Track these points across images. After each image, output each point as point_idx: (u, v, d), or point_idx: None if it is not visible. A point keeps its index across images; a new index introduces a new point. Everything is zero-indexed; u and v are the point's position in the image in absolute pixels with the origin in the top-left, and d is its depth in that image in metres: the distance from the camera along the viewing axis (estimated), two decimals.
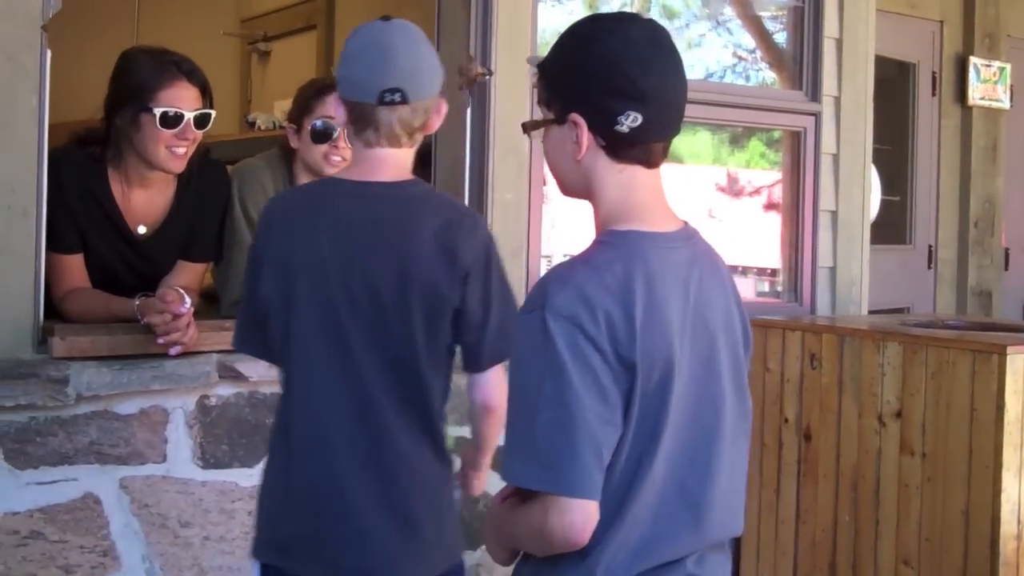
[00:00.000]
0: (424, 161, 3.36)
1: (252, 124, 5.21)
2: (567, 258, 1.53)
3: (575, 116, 1.46)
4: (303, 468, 1.85)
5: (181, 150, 2.57)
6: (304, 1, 5.46)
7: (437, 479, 1.90)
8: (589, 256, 1.44)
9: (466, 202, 3.18)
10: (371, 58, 1.84)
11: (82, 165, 2.60)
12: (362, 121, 1.87)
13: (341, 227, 1.86)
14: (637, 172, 1.48)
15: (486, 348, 1.90)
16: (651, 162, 1.48)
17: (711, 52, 4.18)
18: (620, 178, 1.47)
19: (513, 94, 3.19)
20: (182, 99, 2.54)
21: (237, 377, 2.64)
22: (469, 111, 3.19)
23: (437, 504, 1.90)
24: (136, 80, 2.52)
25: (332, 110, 2.59)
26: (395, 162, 1.89)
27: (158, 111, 2.51)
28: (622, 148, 1.46)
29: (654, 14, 3.84)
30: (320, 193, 1.94)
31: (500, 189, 3.20)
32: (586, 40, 1.46)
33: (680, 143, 4.68)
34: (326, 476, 1.84)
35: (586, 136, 1.46)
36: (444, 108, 1.92)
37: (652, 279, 1.41)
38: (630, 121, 1.43)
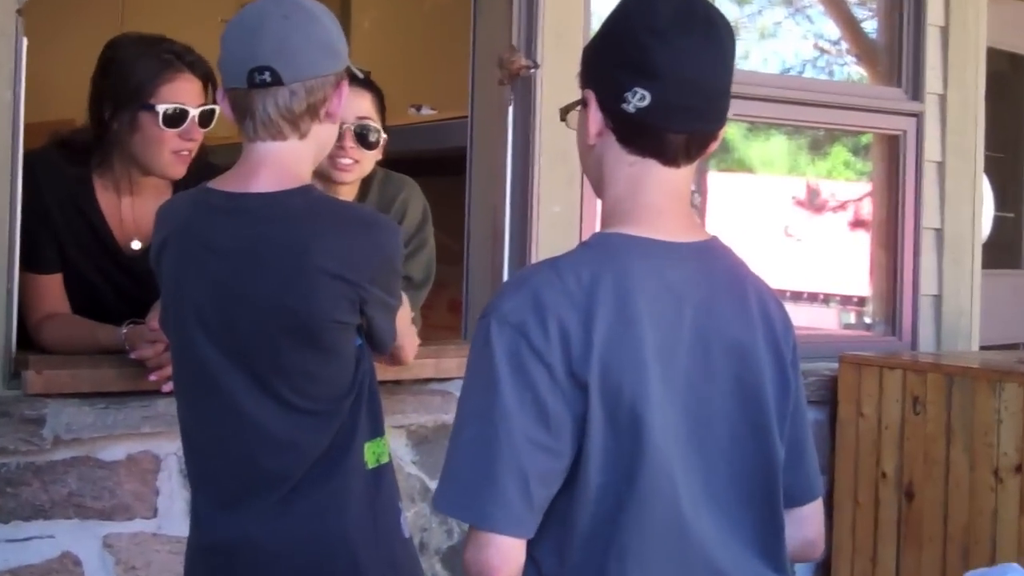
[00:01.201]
0: (456, 168, 3.42)
1: None
2: None
3: (587, 92, 1.48)
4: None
5: (186, 152, 2.58)
6: None
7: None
8: (560, 258, 1.45)
9: (507, 216, 3.19)
10: (239, 35, 1.87)
11: (63, 170, 2.61)
12: (240, 111, 1.89)
13: (205, 255, 1.88)
14: (651, 168, 1.47)
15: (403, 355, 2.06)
16: (667, 157, 1.47)
17: (788, 43, 4.17)
18: (629, 172, 1.48)
19: (562, 90, 2.95)
20: (185, 94, 2.55)
21: None
22: (511, 110, 3.19)
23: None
24: (131, 74, 2.53)
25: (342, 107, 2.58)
26: (277, 159, 1.89)
27: (161, 109, 2.52)
28: (629, 133, 1.46)
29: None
30: (189, 207, 1.96)
31: (547, 200, 3.20)
32: (615, 10, 1.49)
33: (751, 149, 4.66)
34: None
35: (595, 116, 1.47)
36: (345, 89, 1.93)
37: (627, 290, 1.40)
38: (636, 99, 1.43)
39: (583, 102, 1.51)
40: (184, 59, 2.56)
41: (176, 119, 2.54)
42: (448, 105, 3.98)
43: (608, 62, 1.46)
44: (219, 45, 1.91)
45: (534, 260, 3.13)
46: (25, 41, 2.50)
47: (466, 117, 3.35)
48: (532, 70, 3.16)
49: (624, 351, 1.39)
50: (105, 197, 2.65)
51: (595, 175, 1.53)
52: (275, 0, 1.88)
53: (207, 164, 2.69)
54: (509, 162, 3.20)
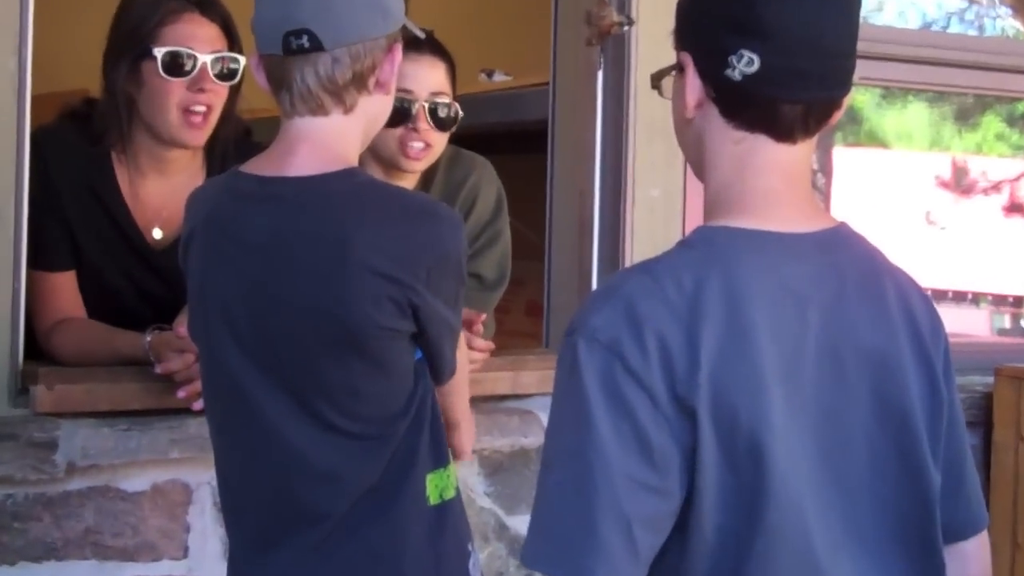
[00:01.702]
0: (535, 145, 3.39)
1: None
2: None
3: (683, 55, 1.49)
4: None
5: (199, 109, 2.57)
6: None
7: None
8: (656, 260, 1.46)
9: (596, 202, 3.17)
10: None
11: (76, 149, 2.63)
12: (275, 81, 1.91)
13: (233, 250, 1.90)
14: (762, 145, 1.47)
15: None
16: (781, 131, 1.47)
17: None
18: (736, 151, 1.48)
19: (663, 51, 3.08)
20: (193, 37, 2.55)
21: None
22: (600, 75, 3.17)
23: None
24: (132, 17, 2.55)
25: (408, 79, 2.61)
26: (319, 138, 1.90)
27: (160, 52, 2.52)
28: (735, 104, 1.46)
29: None
30: (217, 194, 1.98)
31: (644, 183, 3.17)
32: None
33: (884, 119, 4.60)
34: None
35: (693, 83, 1.47)
36: (398, 55, 1.93)
37: (739, 294, 1.40)
38: (743, 64, 1.42)
39: (679, 67, 1.51)
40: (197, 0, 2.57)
41: (179, 66, 2.53)
42: (525, 70, 4.01)
43: (708, 19, 1.46)
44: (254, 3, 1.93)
45: (628, 253, 3.12)
46: (32, 0, 2.52)
47: (547, 84, 3.35)
48: (626, 27, 3.13)
49: (738, 368, 1.38)
50: (125, 178, 2.67)
51: (694, 155, 1.53)
52: None
53: (248, 141, 2.71)
54: (599, 137, 3.18)
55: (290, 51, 1.86)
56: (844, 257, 1.50)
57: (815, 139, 1.51)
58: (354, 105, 1.90)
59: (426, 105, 2.65)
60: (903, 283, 1.54)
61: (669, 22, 3.00)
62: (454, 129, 2.73)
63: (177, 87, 2.54)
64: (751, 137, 1.46)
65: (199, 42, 2.55)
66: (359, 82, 1.89)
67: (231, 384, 1.93)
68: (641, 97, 3.13)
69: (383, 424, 1.91)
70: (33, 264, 2.56)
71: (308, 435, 1.89)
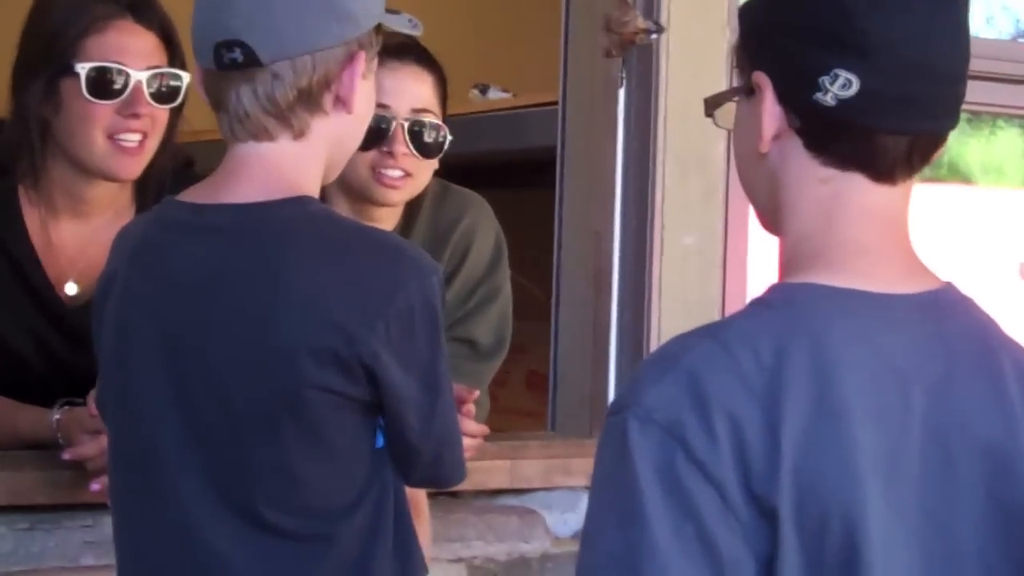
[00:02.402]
0: (539, 178, 3.37)
1: None
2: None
3: (758, 76, 1.50)
4: None
5: (132, 138, 2.57)
6: None
7: None
8: (725, 324, 1.51)
9: (615, 249, 3.18)
10: None
11: None
12: (212, 100, 1.94)
13: (159, 292, 1.92)
14: (856, 186, 1.49)
15: (427, 471, 2.02)
16: (880, 169, 1.49)
17: None
18: (823, 193, 1.49)
19: (698, 66, 3.19)
20: (125, 50, 2.55)
21: None
22: (622, 94, 3.18)
23: None
24: (49, 25, 2.57)
25: (386, 94, 2.61)
26: (265, 165, 1.91)
27: (83, 69, 2.52)
28: (826, 135, 1.48)
29: None
30: (149, 227, 2.01)
31: (674, 227, 3.18)
32: None
33: (968, 150, 4.61)
34: None
35: (772, 110, 1.49)
36: (359, 65, 1.93)
37: (829, 369, 1.42)
38: (838, 87, 1.44)
39: (746, 90, 1.52)
40: (125, 3, 2.56)
41: (107, 85, 2.53)
42: (528, 85, 4.03)
43: (793, 32, 1.48)
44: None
45: (655, 314, 3.12)
46: None
47: (555, 104, 3.36)
48: (654, 35, 3.15)
49: (829, 460, 1.39)
50: (36, 220, 2.67)
51: (767, 198, 1.55)
52: None
53: (190, 173, 2.71)
54: (619, 169, 3.19)
55: (223, 66, 1.88)
56: (952, 326, 1.50)
57: (914, 182, 1.53)
58: (305, 129, 1.92)
59: (405, 124, 2.66)
60: (1022, 360, 1.54)
61: (708, 29, 3.16)
62: (440, 156, 2.73)
63: (105, 111, 2.54)
64: (842, 176, 1.48)
65: (132, 56, 2.55)
66: (308, 102, 1.91)
67: (144, 463, 1.93)
68: (672, 120, 3.15)
69: (323, 521, 1.90)
70: None
71: (231, 534, 1.89)
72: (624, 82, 3.18)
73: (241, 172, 1.92)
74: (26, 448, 2.53)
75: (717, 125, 1.61)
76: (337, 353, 1.85)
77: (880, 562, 1.39)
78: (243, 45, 1.86)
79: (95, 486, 2.42)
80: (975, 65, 3.88)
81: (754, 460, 1.37)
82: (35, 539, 2.51)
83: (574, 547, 2.91)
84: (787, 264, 1.52)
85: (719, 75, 3.15)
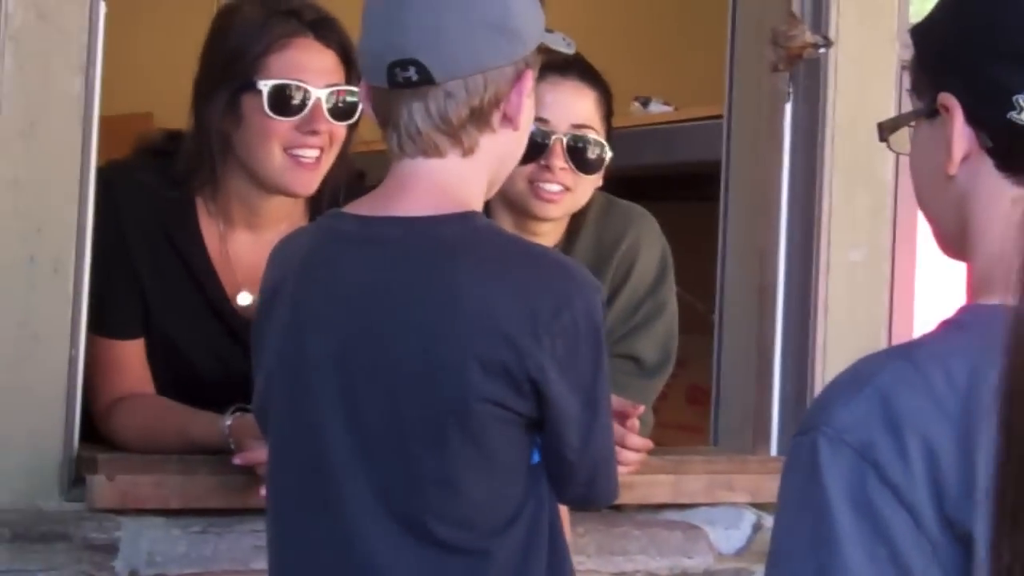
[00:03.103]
0: (703, 192, 3.32)
1: None
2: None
3: (945, 97, 1.46)
4: None
5: (310, 153, 2.59)
6: None
7: None
8: (916, 344, 1.46)
9: (780, 265, 3.15)
10: (378, 14, 1.93)
11: (153, 194, 2.66)
12: (380, 117, 1.96)
13: (328, 303, 1.93)
14: None
15: (582, 489, 2.00)
16: None
17: None
18: (1014, 213, 1.44)
19: (867, 81, 3.17)
20: (306, 67, 2.57)
21: None
22: (789, 108, 3.17)
23: None
24: (232, 43, 2.60)
25: (546, 108, 2.64)
26: (434, 180, 1.93)
27: (266, 86, 2.54)
28: (1021, 155, 1.45)
29: None
30: (311, 239, 2.03)
31: (841, 243, 3.15)
32: None
33: None
34: None
35: (961, 131, 1.46)
36: (527, 83, 1.95)
37: None
38: None
39: (929, 112, 1.49)
40: (305, 19, 2.58)
41: (287, 101, 2.55)
42: (691, 99, 4.01)
43: (981, 51, 1.44)
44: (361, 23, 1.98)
45: (820, 330, 3.10)
46: (103, 7, 2.54)
47: (720, 117, 3.35)
48: (822, 49, 3.13)
49: None
50: (213, 231, 2.69)
51: (954, 221, 1.50)
52: None
53: (362, 187, 2.70)
54: (785, 184, 3.18)
55: (395, 84, 1.89)
56: None
57: None
58: (474, 146, 1.93)
59: (565, 139, 2.66)
60: None
61: (877, 43, 3.11)
62: (601, 172, 2.72)
63: (284, 127, 2.56)
64: None
65: (312, 73, 2.57)
66: (479, 119, 1.92)
67: (307, 469, 1.95)
68: (840, 135, 3.13)
69: (483, 535, 1.90)
70: (95, 328, 2.58)
71: (394, 545, 1.89)
72: (791, 97, 3.16)
73: (409, 187, 1.94)
74: (199, 453, 2.54)
75: (891, 149, 1.58)
76: (506, 366, 1.86)
77: None
78: (417, 64, 1.87)
79: (265, 491, 2.40)
80: None
81: (948, 484, 1.34)
82: (207, 542, 2.53)
83: (737, 564, 2.91)
84: (977, 286, 1.48)
85: (888, 90, 3.15)
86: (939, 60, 1.50)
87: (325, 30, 2.59)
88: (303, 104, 2.55)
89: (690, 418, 3.67)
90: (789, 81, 3.15)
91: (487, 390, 1.86)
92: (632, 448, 2.58)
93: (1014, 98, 1.41)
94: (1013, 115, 1.42)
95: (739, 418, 3.15)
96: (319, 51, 2.58)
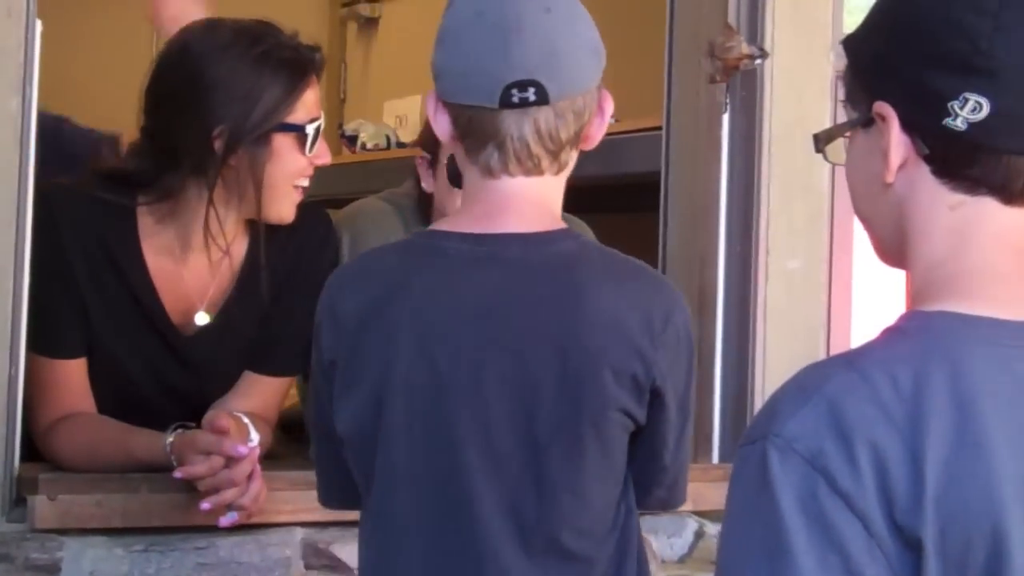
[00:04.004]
0: (642, 203, 3.29)
1: (351, 140, 5.34)
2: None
3: (881, 106, 1.46)
4: None
5: (307, 183, 2.68)
6: None
7: None
8: (862, 352, 1.45)
9: (719, 274, 3.16)
10: (484, 35, 1.92)
11: (94, 208, 2.64)
12: (477, 136, 1.95)
13: (454, 313, 1.94)
14: (985, 210, 1.45)
15: (664, 493, 2.07)
16: (1012, 191, 1.45)
17: None
18: (952, 219, 1.46)
19: (802, 91, 3.17)
20: (317, 105, 2.66)
21: (334, 567, 2.65)
22: (726, 119, 3.16)
23: None
24: (257, 87, 2.60)
25: None
26: (533, 198, 1.96)
27: (310, 129, 2.63)
28: (956, 160, 1.44)
29: None
30: (412, 258, 2.02)
31: (779, 251, 3.15)
32: None
33: None
34: None
35: (898, 139, 1.45)
36: (609, 106, 2.01)
37: (969, 397, 1.37)
38: (968, 111, 1.41)
39: (865, 121, 1.48)
40: (316, 60, 2.66)
41: (315, 139, 2.64)
42: (631, 112, 3.92)
43: (916, 59, 1.44)
44: (441, 41, 1.97)
45: (760, 337, 3.10)
46: (40, 26, 2.53)
47: (658, 129, 3.32)
48: (758, 61, 3.12)
49: (972, 490, 1.34)
50: (154, 245, 2.68)
51: (892, 228, 1.50)
52: None
53: (315, 212, 2.83)
54: (724, 194, 3.17)
55: (508, 104, 1.90)
56: None
57: None
58: (567, 163, 1.99)
59: None
60: None
61: (811, 54, 3.08)
62: None
63: (304, 162, 2.65)
64: (972, 201, 1.43)
65: (319, 108, 2.68)
66: (576, 139, 1.98)
67: (434, 484, 1.95)
68: (777, 145, 3.14)
69: (594, 543, 1.95)
70: (35, 348, 2.57)
71: (523, 556, 1.93)
72: (728, 107, 3.16)
73: (514, 204, 1.96)
74: (140, 471, 2.52)
75: (827, 160, 1.57)
76: (635, 376, 1.92)
77: None
78: (537, 85, 1.90)
79: (205, 505, 2.42)
80: None
81: (898, 491, 1.33)
82: (150, 561, 2.50)
83: (680, 571, 2.89)
84: (917, 293, 1.48)
85: (823, 100, 3.16)
86: (873, 69, 1.49)
87: (321, 66, 2.70)
88: (316, 139, 2.65)
89: None
90: (726, 92, 3.15)
91: (619, 399, 1.91)
92: None
93: (949, 104, 1.41)
94: (948, 121, 1.41)
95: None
96: (317, 87, 2.68)
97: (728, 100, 3.15)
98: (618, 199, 3.71)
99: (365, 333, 1.98)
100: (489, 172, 1.96)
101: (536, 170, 1.95)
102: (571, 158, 1.99)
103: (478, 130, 1.94)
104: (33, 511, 2.45)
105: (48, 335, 2.59)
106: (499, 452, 1.92)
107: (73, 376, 2.64)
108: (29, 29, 2.49)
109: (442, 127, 1.98)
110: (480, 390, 1.92)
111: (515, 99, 1.90)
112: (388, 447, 1.98)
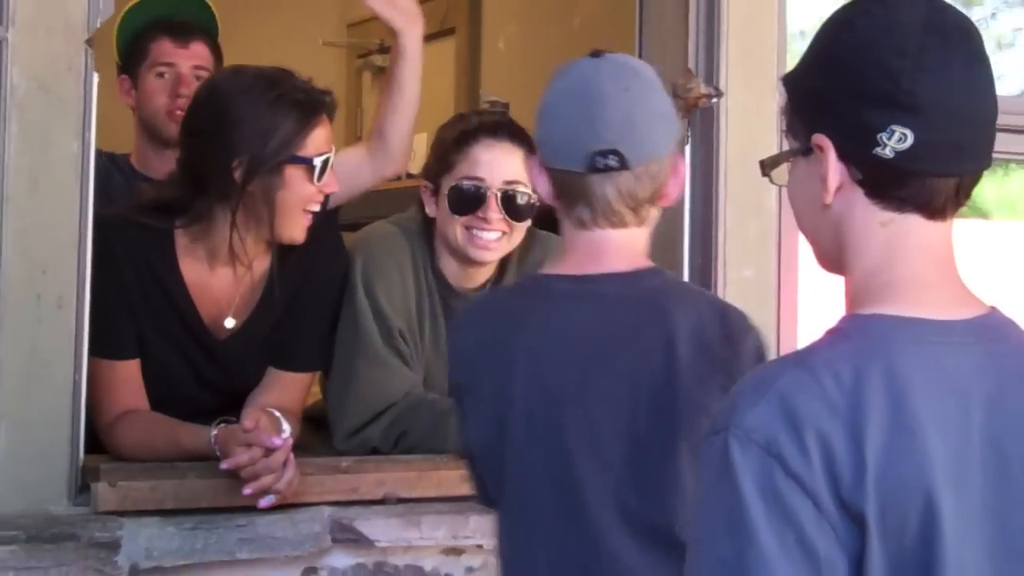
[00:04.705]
0: None
1: None
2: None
3: (819, 138, 1.49)
4: None
5: (317, 208, 2.75)
6: None
7: None
8: (809, 352, 1.46)
9: (684, 279, 3.18)
10: (574, 110, 2.00)
11: (140, 233, 2.76)
12: (571, 195, 2.02)
13: (563, 340, 2.01)
14: (912, 225, 1.49)
15: None
16: (934, 209, 1.49)
17: None
18: (883, 235, 1.50)
19: (752, 124, 3.24)
20: (328, 141, 2.73)
21: (357, 540, 2.69)
22: (689, 150, 3.22)
23: None
24: (273, 122, 2.69)
25: (482, 167, 2.78)
26: (621, 245, 2.04)
27: (318, 162, 2.70)
28: (886, 183, 1.48)
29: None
30: (524, 298, 2.11)
31: (735, 263, 3.23)
32: (837, 28, 1.52)
33: (981, 189, 4.58)
34: None
35: (834, 167, 1.49)
36: (683, 169, 2.09)
37: (901, 389, 1.41)
38: (895, 141, 1.45)
39: (805, 150, 1.52)
40: (326, 101, 2.74)
41: (323, 171, 2.72)
42: None
43: (848, 97, 1.48)
44: (541, 116, 2.03)
45: None
46: (96, 78, 2.61)
47: None
48: (714, 99, 3.19)
49: (906, 471, 1.38)
50: (190, 262, 2.80)
51: (832, 243, 1.54)
52: (609, 67, 2.02)
53: (327, 228, 2.87)
54: (687, 214, 3.24)
55: (594, 169, 1.98)
56: (1001, 347, 1.49)
57: (955, 217, 1.54)
58: (647, 217, 2.05)
59: (499, 193, 2.78)
60: None
61: (760, 93, 3.19)
62: (530, 218, 2.83)
63: (313, 191, 2.73)
64: (901, 218, 1.48)
65: (329, 144, 2.75)
66: (653, 197, 2.03)
67: (561, 487, 2.00)
68: (732, 172, 3.20)
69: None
70: (97, 352, 2.63)
71: (628, 544, 1.98)
72: (690, 139, 3.21)
73: (605, 251, 2.02)
74: (189, 460, 2.62)
75: (772, 183, 1.61)
76: (720, 384, 1.93)
77: (953, 557, 1.39)
78: (618, 154, 1.97)
79: (247, 491, 2.50)
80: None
81: (842, 472, 1.36)
82: (197, 536, 2.57)
83: None
84: (855, 298, 1.51)
85: (771, 132, 3.18)
86: (811, 105, 1.51)
87: (332, 107, 2.77)
88: (325, 170, 2.73)
89: None
90: (688, 127, 3.19)
91: (703, 403, 1.94)
92: None
93: (878, 136, 1.45)
94: (878, 151, 1.45)
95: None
96: (328, 126, 2.76)
97: (689, 133, 3.20)
98: None
99: (486, 363, 2.07)
100: (582, 225, 2.02)
101: (621, 223, 2.01)
102: (651, 213, 2.04)
103: (571, 191, 2.01)
104: (96, 496, 2.52)
105: (108, 340, 2.67)
106: (605, 456, 1.97)
107: (130, 375, 2.72)
108: (87, 82, 2.58)
109: (543, 187, 2.05)
110: (585, 404, 1.98)
111: (600, 165, 1.97)
112: (513, 457, 2.04)
